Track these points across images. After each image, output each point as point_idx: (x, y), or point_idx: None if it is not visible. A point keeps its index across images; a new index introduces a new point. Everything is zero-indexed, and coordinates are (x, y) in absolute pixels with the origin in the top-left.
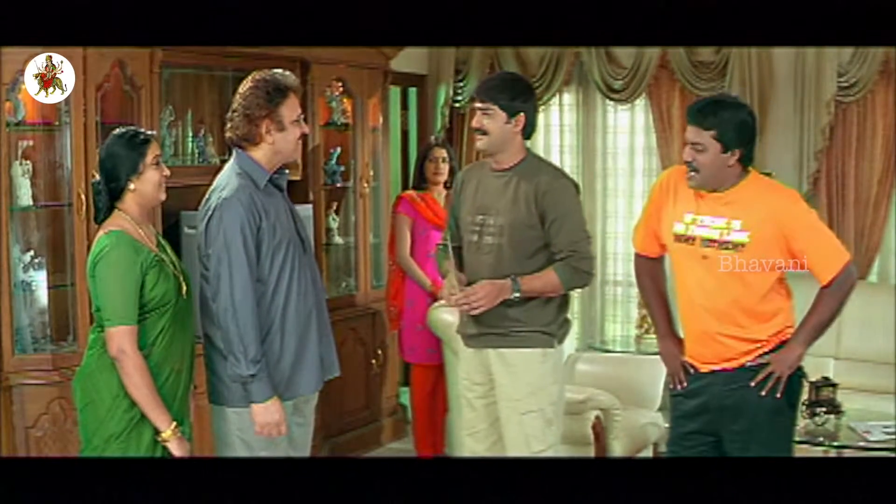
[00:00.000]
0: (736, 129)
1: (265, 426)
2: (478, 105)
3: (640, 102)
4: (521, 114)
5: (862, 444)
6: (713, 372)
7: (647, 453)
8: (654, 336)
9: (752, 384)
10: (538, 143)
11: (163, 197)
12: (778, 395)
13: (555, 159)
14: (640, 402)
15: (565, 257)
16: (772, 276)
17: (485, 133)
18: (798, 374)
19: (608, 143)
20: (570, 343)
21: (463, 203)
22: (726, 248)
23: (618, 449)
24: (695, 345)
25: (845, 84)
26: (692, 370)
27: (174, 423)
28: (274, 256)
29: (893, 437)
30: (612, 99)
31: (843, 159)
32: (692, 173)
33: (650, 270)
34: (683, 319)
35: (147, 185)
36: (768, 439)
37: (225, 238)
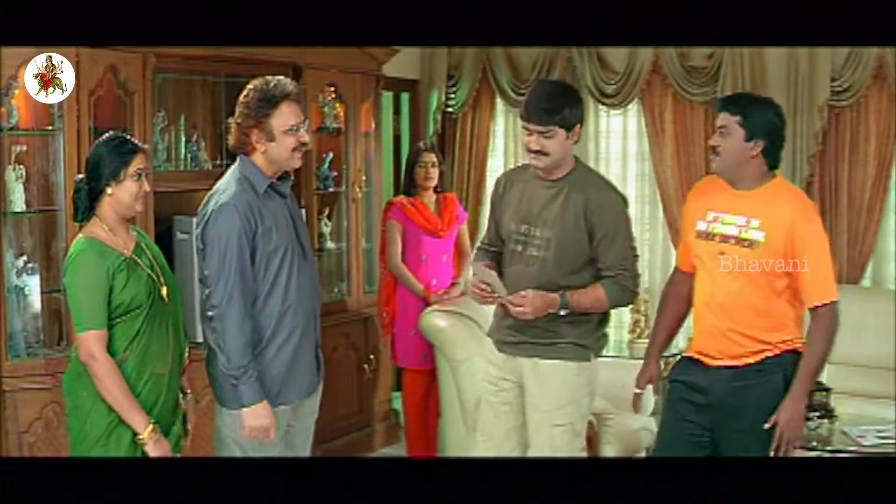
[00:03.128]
0: (761, 120)
1: (253, 430)
2: (537, 128)
3: (633, 107)
4: (578, 125)
5: (855, 448)
6: (718, 367)
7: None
8: (646, 340)
9: (772, 445)
10: None
11: (139, 209)
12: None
13: None
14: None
15: (614, 275)
16: (781, 279)
17: (546, 154)
18: None
19: (601, 148)
20: None
21: (506, 208)
22: (742, 246)
23: (610, 454)
24: (705, 339)
25: (838, 89)
26: (698, 365)
27: (151, 426)
28: (269, 261)
29: (887, 441)
30: (604, 104)
31: (836, 164)
32: (714, 156)
33: (680, 284)
34: (697, 314)
35: (124, 194)
36: (767, 443)
37: (219, 243)
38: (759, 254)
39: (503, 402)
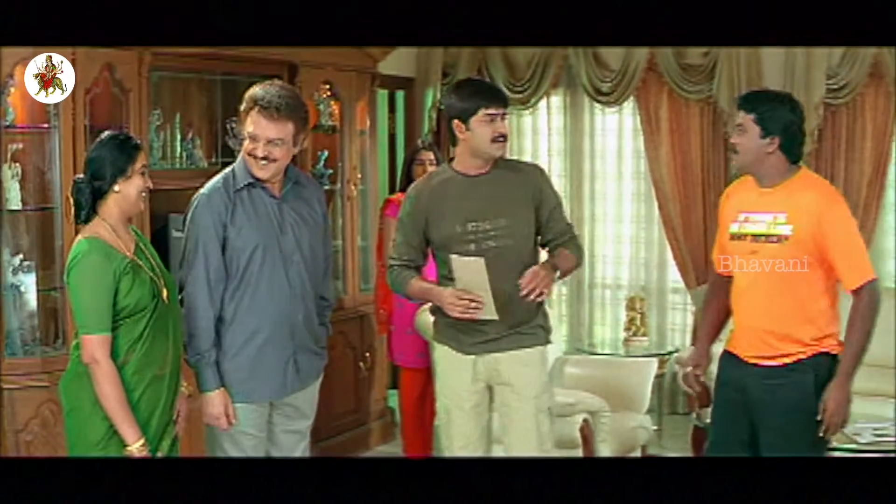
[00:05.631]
0: (776, 116)
1: (208, 416)
2: (504, 111)
3: (629, 105)
4: None
5: (852, 446)
6: (753, 364)
7: (636, 456)
8: (642, 338)
9: (821, 434)
10: (526, 147)
11: (142, 206)
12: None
13: (543, 162)
14: (628, 405)
15: (568, 239)
16: (815, 270)
17: (506, 139)
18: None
19: (596, 146)
20: (559, 346)
21: (443, 215)
22: (772, 242)
23: (606, 452)
24: (741, 338)
25: (835, 86)
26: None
27: (142, 441)
28: (238, 258)
29: (884, 439)
30: (600, 102)
31: (832, 162)
32: (733, 154)
33: (719, 289)
34: (735, 315)
35: (131, 190)
36: (801, 438)
37: (191, 232)
38: (789, 248)
39: (475, 404)
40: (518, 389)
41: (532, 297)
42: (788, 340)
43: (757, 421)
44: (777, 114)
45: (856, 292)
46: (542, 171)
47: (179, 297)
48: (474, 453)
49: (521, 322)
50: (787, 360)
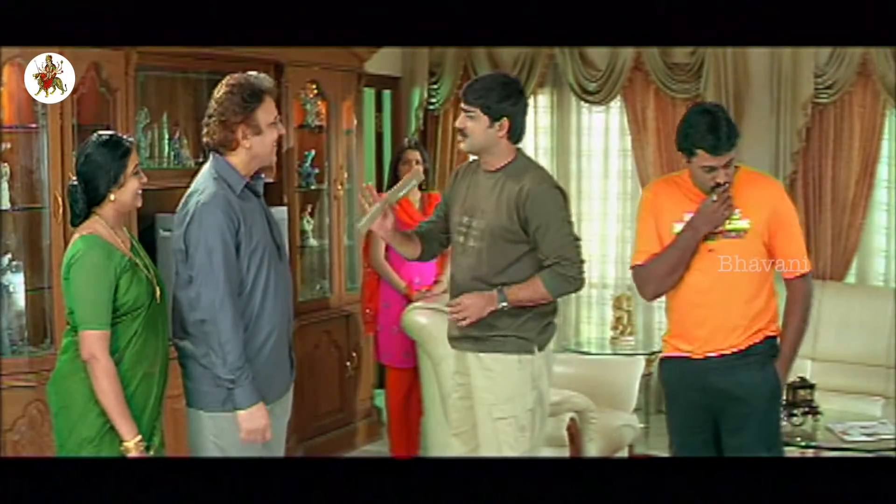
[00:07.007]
0: (737, 131)
1: (251, 432)
2: (462, 106)
3: (615, 104)
4: (505, 118)
5: (840, 444)
6: (707, 359)
7: (623, 455)
8: (629, 337)
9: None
10: None
11: (139, 204)
12: None
13: None
14: (615, 403)
15: (552, 264)
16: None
17: (466, 136)
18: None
19: (583, 145)
20: None
21: (454, 200)
22: (730, 237)
23: (593, 451)
24: (695, 336)
25: (822, 85)
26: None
27: (139, 437)
28: (250, 261)
29: (871, 437)
30: (586, 101)
31: (820, 161)
32: (724, 186)
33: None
34: (681, 314)
35: (126, 195)
36: (763, 421)
37: (206, 243)
38: (748, 241)
39: (462, 396)
40: (477, 392)
41: (456, 320)
42: (750, 330)
43: (720, 412)
44: (736, 129)
45: (799, 278)
46: (543, 185)
47: (201, 317)
48: (465, 444)
49: (488, 328)
50: (742, 347)
